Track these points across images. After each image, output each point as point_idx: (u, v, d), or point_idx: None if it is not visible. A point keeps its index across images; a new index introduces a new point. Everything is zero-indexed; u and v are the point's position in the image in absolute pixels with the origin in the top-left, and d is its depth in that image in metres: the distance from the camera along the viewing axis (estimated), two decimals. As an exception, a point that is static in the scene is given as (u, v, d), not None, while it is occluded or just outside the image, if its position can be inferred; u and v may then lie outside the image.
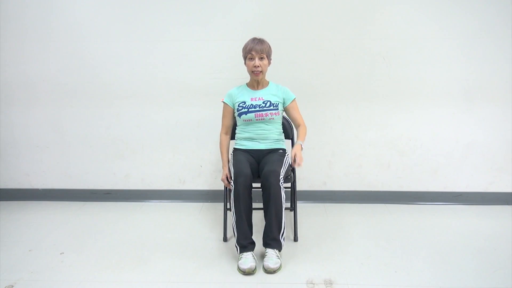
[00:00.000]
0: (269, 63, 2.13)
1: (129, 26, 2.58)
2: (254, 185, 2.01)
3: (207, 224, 2.46)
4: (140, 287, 1.79)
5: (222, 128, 2.26)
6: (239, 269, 1.88)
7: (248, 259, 1.89)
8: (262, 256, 1.97)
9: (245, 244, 1.95)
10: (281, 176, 1.94)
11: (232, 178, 1.98)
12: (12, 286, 1.81)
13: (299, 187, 2.71)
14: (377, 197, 2.79)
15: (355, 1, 2.47)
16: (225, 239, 2.23)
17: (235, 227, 1.97)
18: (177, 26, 2.57)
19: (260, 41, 2.06)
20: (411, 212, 2.62)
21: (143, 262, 2.00)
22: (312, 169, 2.77)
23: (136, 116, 2.73)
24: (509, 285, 1.78)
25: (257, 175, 2.11)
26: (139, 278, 1.86)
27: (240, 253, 1.96)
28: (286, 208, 2.02)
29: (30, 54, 2.65)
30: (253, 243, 1.98)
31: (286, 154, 2.15)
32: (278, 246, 1.96)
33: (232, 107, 2.20)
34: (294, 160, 1.94)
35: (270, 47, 2.11)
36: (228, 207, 2.52)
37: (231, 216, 2.03)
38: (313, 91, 2.61)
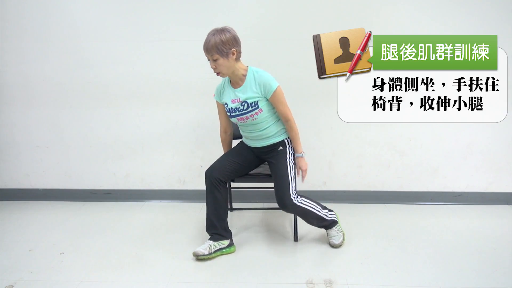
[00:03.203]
0: (230, 56, 1.87)
1: (128, 26, 2.57)
2: (251, 184, 2.02)
3: (207, 224, 2.46)
4: (140, 287, 1.79)
5: (220, 126, 2.20)
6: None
7: (202, 246, 2.03)
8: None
9: (209, 233, 2.08)
10: (292, 196, 1.99)
11: None
12: (12, 286, 1.81)
13: (299, 187, 2.71)
14: (377, 197, 2.78)
15: (355, 1, 2.47)
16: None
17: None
18: (177, 26, 2.56)
19: (208, 40, 1.84)
20: (411, 212, 2.62)
21: (143, 262, 2.00)
22: (312, 169, 2.75)
23: (136, 116, 2.73)
24: (509, 285, 1.78)
25: (252, 169, 2.21)
26: (139, 278, 1.86)
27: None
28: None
29: (30, 54, 2.65)
30: (217, 234, 2.05)
31: (288, 150, 2.08)
32: (328, 226, 2.13)
33: (222, 104, 2.10)
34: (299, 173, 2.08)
35: (221, 41, 1.82)
36: (229, 207, 2.53)
37: (230, 215, 2.03)
38: (313, 90, 2.61)
